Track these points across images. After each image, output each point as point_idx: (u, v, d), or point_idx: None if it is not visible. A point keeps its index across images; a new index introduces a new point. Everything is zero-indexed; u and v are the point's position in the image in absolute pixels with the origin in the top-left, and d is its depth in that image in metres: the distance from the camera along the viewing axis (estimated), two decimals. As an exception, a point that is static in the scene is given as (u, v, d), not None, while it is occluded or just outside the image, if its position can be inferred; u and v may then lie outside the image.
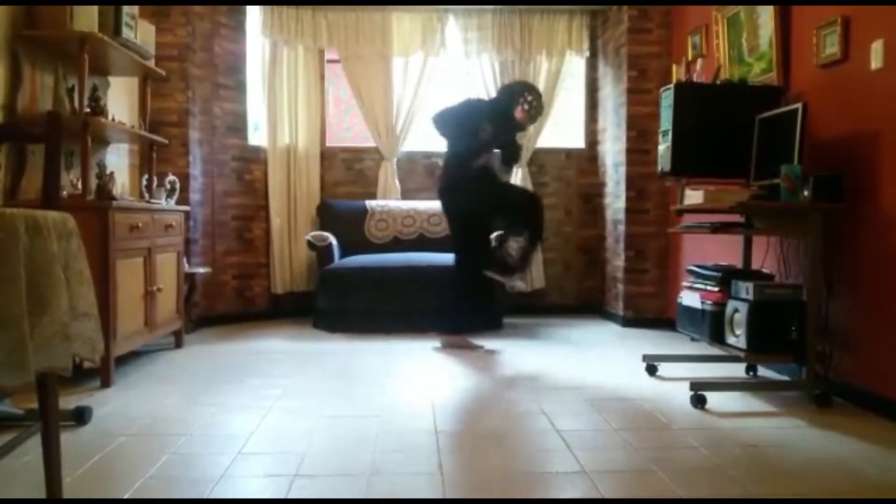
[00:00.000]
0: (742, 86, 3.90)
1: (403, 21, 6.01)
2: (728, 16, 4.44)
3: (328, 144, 6.21)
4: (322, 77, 6.14)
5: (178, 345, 4.59)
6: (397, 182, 6.10)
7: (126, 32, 3.86)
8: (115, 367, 3.59)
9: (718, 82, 3.92)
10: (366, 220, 5.83)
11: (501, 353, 4.53)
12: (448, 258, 5.30)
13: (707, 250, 4.64)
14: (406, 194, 6.13)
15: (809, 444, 2.69)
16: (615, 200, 5.78)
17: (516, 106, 4.66)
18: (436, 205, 5.82)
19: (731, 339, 3.40)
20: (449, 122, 4.70)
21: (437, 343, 4.72)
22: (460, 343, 4.63)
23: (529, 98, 4.69)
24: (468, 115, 4.67)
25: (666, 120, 3.79)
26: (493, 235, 5.04)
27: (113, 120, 3.99)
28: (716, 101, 3.75)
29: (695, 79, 3.96)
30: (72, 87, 3.74)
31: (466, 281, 4.73)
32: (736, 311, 3.37)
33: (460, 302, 4.74)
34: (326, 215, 5.87)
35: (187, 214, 4.94)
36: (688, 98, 3.71)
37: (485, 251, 4.82)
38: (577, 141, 6.39)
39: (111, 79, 4.44)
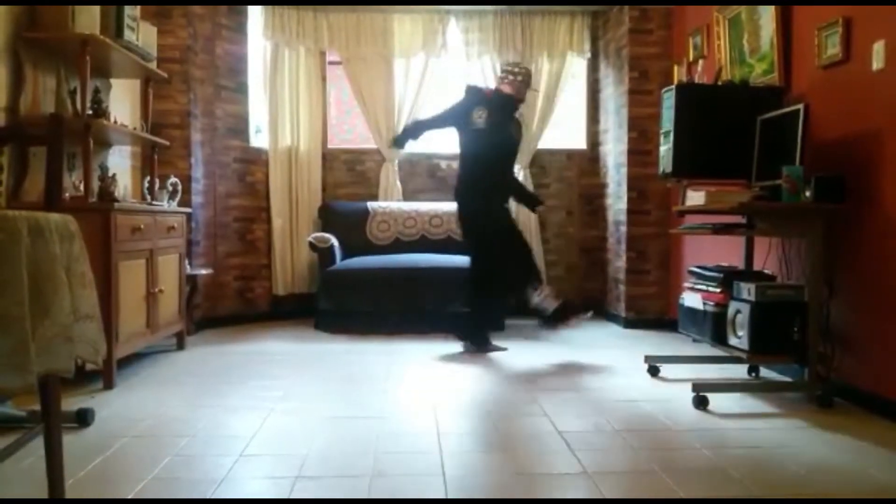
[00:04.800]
0: (743, 87, 3.89)
1: (405, 22, 6.03)
2: (729, 16, 4.44)
3: (329, 146, 6.23)
4: (323, 78, 6.15)
5: (180, 346, 4.59)
6: (399, 183, 6.10)
7: (128, 34, 3.86)
8: (117, 368, 3.60)
9: (720, 83, 3.92)
10: (367, 221, 5.84)
11: (505, 351, 4.56)
12: (450, 259, 5.30)
13: (709, 251, 4.64)
14: (408, 195, 6.13)
15: (811, 445, 2.69)
16: (617, 201, 5.78)
17: (501, 84, 4.67)
18: (437, 206, 5.95)
19: (732, 341, 3.40)
20: (436, 124, 4.74)
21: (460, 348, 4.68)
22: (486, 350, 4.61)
23: (508, 68, 4.73)
24: (462, 108, 4.65)
25: (667, 121, 3.78)
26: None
27: (115, 122, 3.99)
28: (717, 102, 3.74)
29: (696, 80, 3.96)
30: (74, 89, 3.74)
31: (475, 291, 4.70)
32: (738, 312, 3.36)
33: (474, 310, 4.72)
34: (328, 217, 5.89)
35: (189, 216, 4.94)
36: (689, 99, 3.71)
37: (493, 269, 4.69)
38: (579, 142, 6.39)
39: (113, 81, 4.43)
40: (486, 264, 4.64)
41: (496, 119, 4.56)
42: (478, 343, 4.59)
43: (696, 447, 2.65)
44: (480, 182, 4.59)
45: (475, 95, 4.66)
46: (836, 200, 3.17)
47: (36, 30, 3.51)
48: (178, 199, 4.67)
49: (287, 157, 5.98)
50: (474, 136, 4.57)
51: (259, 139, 6.05)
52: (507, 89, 4.64)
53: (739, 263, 3.96)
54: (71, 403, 3.07)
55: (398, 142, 4.90)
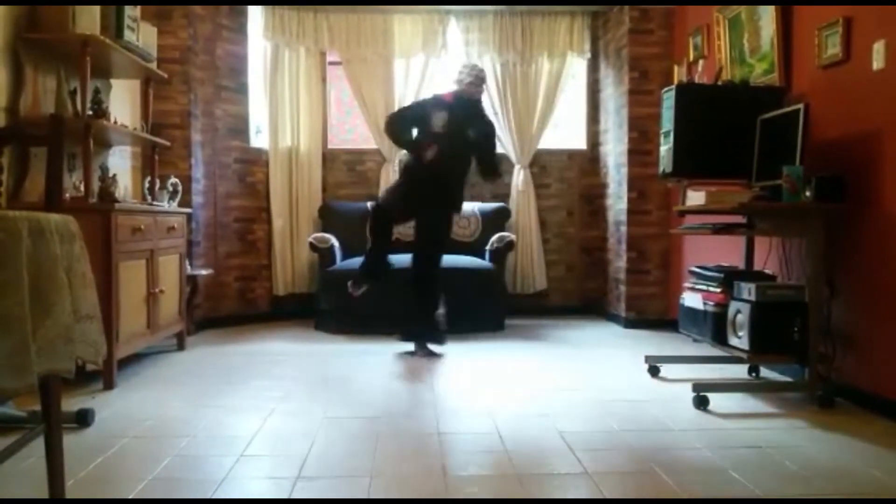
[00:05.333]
0: (744, 87, 3.88)
1: (405, 23, 6.03)
2: (729, 16, 4.44)
3: (330, 146, 6.23)
4: (323, 79, 6.14)
5: (181, 346, 4.60)
6: (399, 184, 6.07)
7: (128, 35, 3.87)
8: (117, 369, 3.60)
9: (720, 83, 3.92)
10: (368, 221, 5.78)
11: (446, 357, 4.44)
12: (452, 259, 5.27)
13: (709, 251, 4.63)
14: (408, 196, 6.11)
15: (811, 445, 2.69)
16: (617, 201, 5.77)
17: (462, 86, 4.55)
18: None
19: (733, 340, 3.41)
20: (402, 123, 4.59)
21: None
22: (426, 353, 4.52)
23: (465, 69, 4.61)
24: (421, 109, 4.59)
25: (667, 121, 3.76)
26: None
27: (115, 122, 3.99)
28: (717, 102, 3.73)
29: (696, 80, 3.96)
30: (74, 89, 3.74)
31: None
32: (738, 312, 3.37)
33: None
34: (328, 217, 5.89)
35: (189, 216, 4.96)
36: (689, 99, 3.70)
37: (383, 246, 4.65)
38: (579, 142, 6.40)
39: (113, 81, 4.44)
40: (434, 262, 4.63)
41: (456, 122, 4.49)
42: (435, 339, 4.55)
43: (697, 447, 2.66)
44: (442, 182, 4.54)
45: (434, 99, 4.64)
46: (837, 200, 3.17)
47: (36, 30, 3.51)
48: (178, 199, 4.68)
49: (287, 158, 5.98)
50: (433, 139, 4.46)
51: (259, 140, 6.06)
52: (467, 90, 4.55)
53: (740, 263, 3.96)
54: (71, 404, 3.07)
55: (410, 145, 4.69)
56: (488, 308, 5.39)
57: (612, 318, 5.86)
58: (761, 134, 3.62)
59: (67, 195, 3.63)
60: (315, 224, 6.00)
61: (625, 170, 5.55)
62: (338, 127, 6.42)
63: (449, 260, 5.26)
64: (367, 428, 2.89)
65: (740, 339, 3.34)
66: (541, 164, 6.27)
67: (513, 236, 5.66)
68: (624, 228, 5.58)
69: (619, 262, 5.69)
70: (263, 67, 5.94)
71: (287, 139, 5.99)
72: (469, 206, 5.91)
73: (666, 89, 3.83)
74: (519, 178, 6.14)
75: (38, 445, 1.98)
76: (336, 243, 5.50)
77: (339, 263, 5.43)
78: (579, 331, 5.42)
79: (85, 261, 1.96)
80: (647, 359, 3.94)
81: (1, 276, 1.58)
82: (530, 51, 6.10)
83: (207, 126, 5.51)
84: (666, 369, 3.92)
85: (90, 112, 3.72)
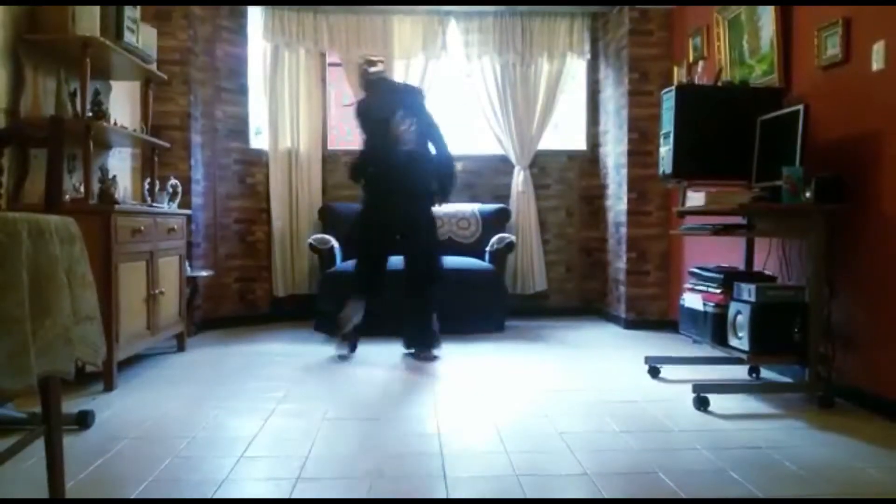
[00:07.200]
0: (743, 87, 3.90)
1: (404, 24, 6.03)
2: (729, 17, 4.44)
3: (330, 148, 6.22)
4: (323, 80, 6.14)
5: (181, 348, 4.61)
6: (399, 185, 6.04)
7: (128, 36, 3.88)
8: (117, 370, 3.60)
9: (720, 84, 3.93)
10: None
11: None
12: (450, 261, 5.26)
13: (709, 252, 4.62)
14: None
15: (811, 445, 2.70)
16: (617, 202, 5.78)
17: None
18: (452, 208, 5.83)
19: (733, 341, 3.41)
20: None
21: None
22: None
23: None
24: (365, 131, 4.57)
25: (667, 122, 3.77)
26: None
27: (115, 124, 4.00)
28: (717, 103, 3.74)
29: (696, 81, 3.97)
30: (74, 91, 3.74)
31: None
32: (738, 312, 3.38)
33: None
34: (328, 218, 5.85)
35: (189, 218, 4.96)
36: (689, 100, 3.70)
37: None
38: (579, 143, 6.40)
39: (113, 82, 4.45)
40: (439, 261, 4.62)
41: (379, 110, 4.46)
42: (432, 345, 4.46)
43: (697, 448, 2.66)
44: (402, 180, 4.45)
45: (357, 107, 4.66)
46: (837, 201, 3.17)
47: (36, 32, 3.52)
48: (178, 200, 4.69)
49: (287, 159, 5.98)
50: (367, 150, 4.58)
51: (259, 141, 6.06)
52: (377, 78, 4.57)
53: (740, 264, 3.96)
54: (71, 405, 3.08)
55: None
56: (489, 309, 5.39)
57: (611, 318, 5.86)
58: (761, 135, 3.62)
59: (67, 197, 3.64)
60: (315, 225, 5.97)
61: (625, 171, 5.54)
62: (338, 128, 6.42)
63: (449, 261, 5.26)
64: (367, 429, 2.90)
65: (740, 340, 3.35)
66: (541, 165, 6.26)
67: (513, 237, 5.66)
68: (624, 229, 5.58)
69: (619, 262, 5.69)
70: (263, 68, 5.94)
71: (287, 140, 5.98)
72: (469, 207, 5.98)
73: (665, 90, 3.84)
74: (519, 178, 6.13)
75: (38, 447, 1.99)
76: (336, 245, 5.47)
77: (339, 265, 5.39)
78: (579, 332, 5.42)
79: (85, 262, 1.96)
80: (648, 360, 3.94)
81: (0, 278, 1.58)
82: (530, 52, 6.08)
83: (207, 127, 5.52)
84: (666, 370, 3.92)
85: (90, 113, 3.73)
